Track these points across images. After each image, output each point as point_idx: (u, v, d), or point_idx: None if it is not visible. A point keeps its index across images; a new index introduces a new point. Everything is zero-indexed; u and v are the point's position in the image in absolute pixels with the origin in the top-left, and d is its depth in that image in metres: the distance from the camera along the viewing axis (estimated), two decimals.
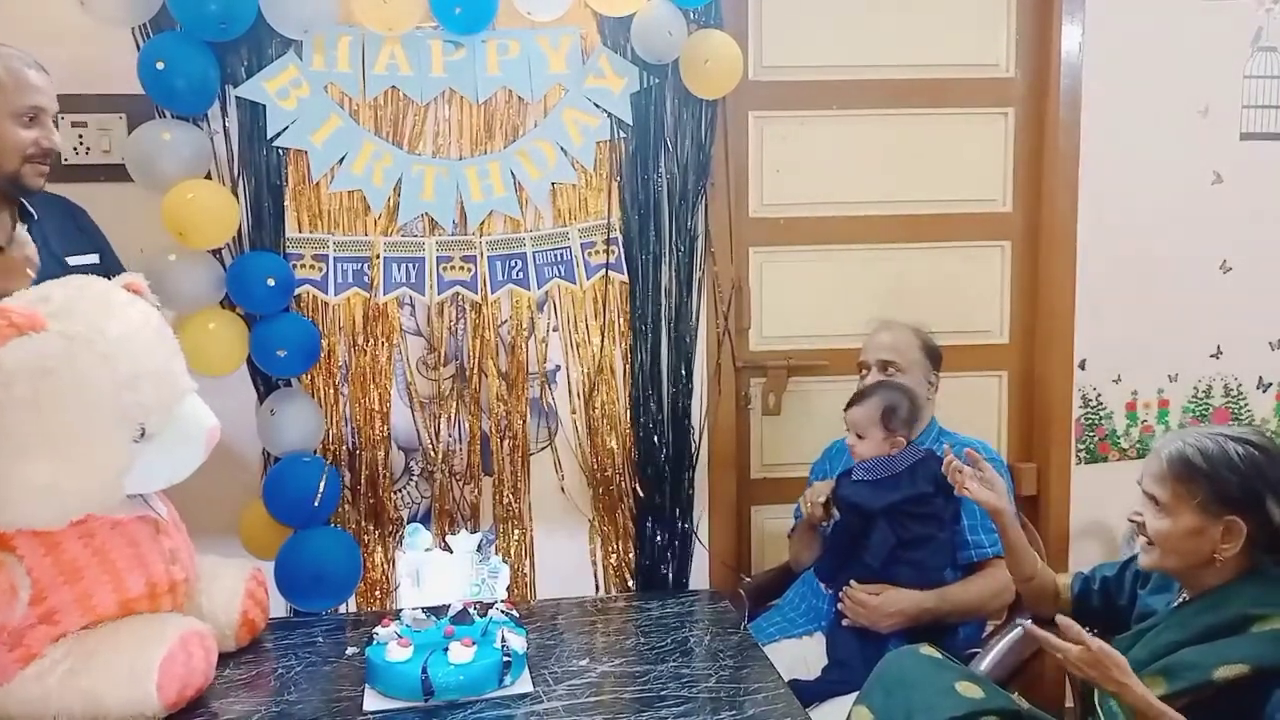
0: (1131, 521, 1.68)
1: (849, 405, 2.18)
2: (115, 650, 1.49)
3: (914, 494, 2.04)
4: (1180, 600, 1.66)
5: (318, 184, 2.39)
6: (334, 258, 2.42)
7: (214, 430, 1.65)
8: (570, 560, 2.61)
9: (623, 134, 2.47)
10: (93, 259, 1.97)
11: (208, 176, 2.31)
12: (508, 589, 1.73)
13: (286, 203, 2.38)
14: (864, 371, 2.31)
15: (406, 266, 2.45)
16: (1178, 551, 1.60)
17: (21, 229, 1.68)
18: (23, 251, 1.65)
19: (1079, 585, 1.87)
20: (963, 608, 2.10)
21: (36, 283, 1.79)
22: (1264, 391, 2.89)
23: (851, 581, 2.06)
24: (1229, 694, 1.49)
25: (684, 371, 2.56)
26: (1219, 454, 1.57)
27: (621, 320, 2.54)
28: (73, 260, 1.91)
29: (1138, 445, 2.84)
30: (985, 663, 1.98)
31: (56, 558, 1.50)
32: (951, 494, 2.01)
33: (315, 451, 2.41)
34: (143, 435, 1.53)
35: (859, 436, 2.13)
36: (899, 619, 2.02)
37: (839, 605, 2.07)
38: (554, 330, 2.55)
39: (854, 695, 1.93)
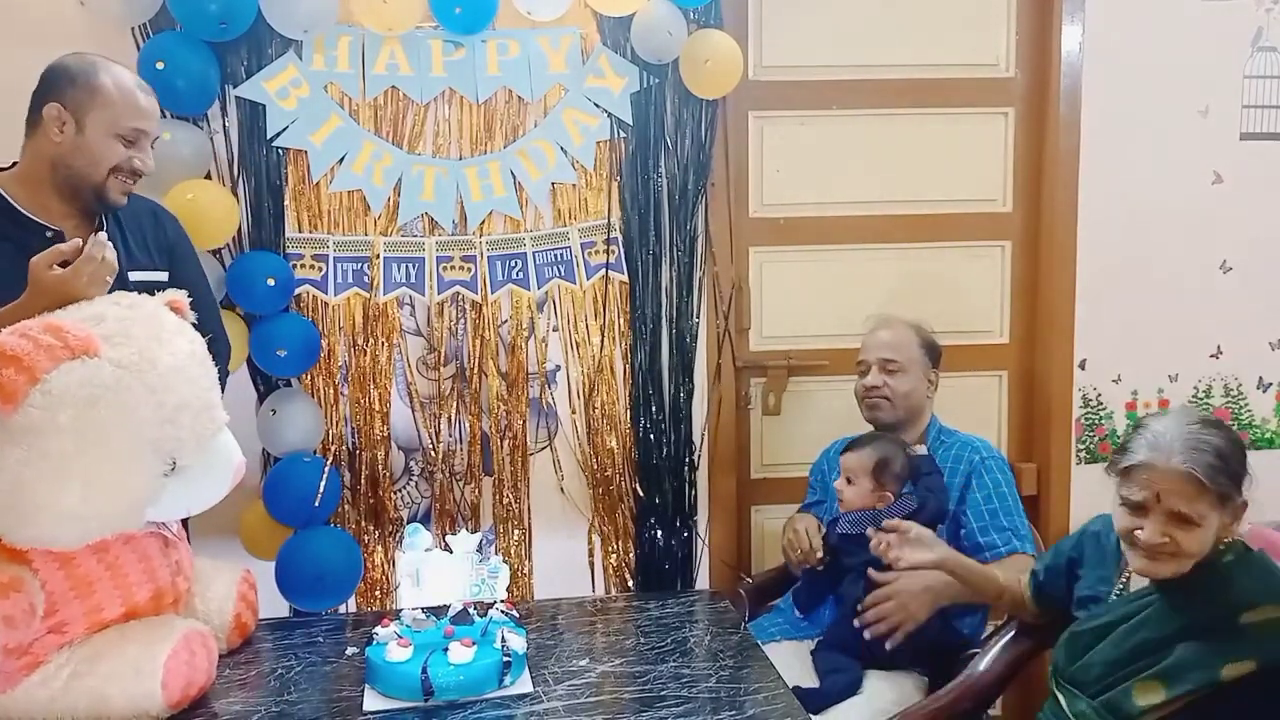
0: (1156, 546, 1.55)
1: (846, 449, 2.18)
2: (121, 650, 1.49)
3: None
4: (1148, 591, 1.61)
5: (317, 184, 2.40)
6: (334, 258, 2.42)
7: (240, 466, 1.65)
8: (570, 560, 2.61)
9: (623, 134, 2.47)
10: (158, 276, 1.91)
11: (207, 176, 2.31)
12: (507, 589, 1.73)
13: (286, 203, 2.38)
14: (863, 370, 2.31)
15: (406, 266, 2.45)
16: (1200, 555, 1.55)
17: (102, 235, 1.65)
18: (103, 253, 1.61)
19: (1033, 584, 1.88)
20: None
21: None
22: (1264, 391, 2.88)
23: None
24: (1231, 691, 1.48)
25: (684, 371, 2.56)
26: (1224, 445, 1.55)
27: (621, 320, 2.54)
28: (135, 276, 1.86)
29: None
30: (984, 662, 1.98)
31: (70, 572, 1.49)
32: (941, 520, 2.05)
33: (315, 451, 2.41)
34: (173, 469, 1.53)
35: (848, 481, 2.13)
36: (928, 597, 1.98)
37: (865, 630, 2.00)
38: (554, 330, 2.55)
39: (852, 700, 1.94)
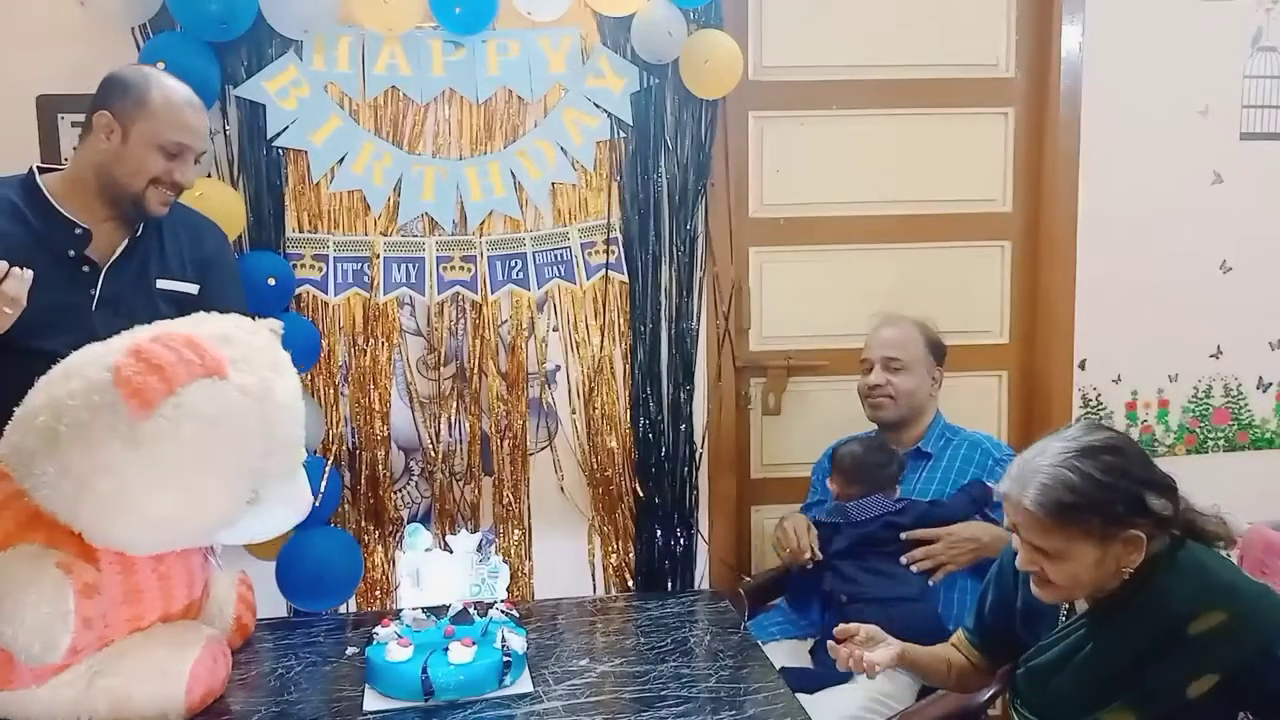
0: (1031, 572, 1.53)
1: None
2: (147, 653, 1.51)
3: (855, 541, 2.09)
4: (1091, 613, 1.54)
5: (318, 184, 2.40)
6: (334, 257, 2.42)
7: (309, 505, 1.68)
8: (570, 560, 2.61)
9: (623, 134, 2.47)
10: (188, 288, 1.92)
11: (207, 176, 2.31)
12: (507, 589, 1.73)
13: (286, 202, 2.38)
14: (867, 368, 2.30)
15: (406, 266, 2.45)
16: (1085, 584, 1.49)
17: (3, 264, 1.62)
18: (2, 287, 1.56)
19: (974, 636, 1.76)
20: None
21: (121, 304, 1.80)
22: (1264, 391, 2.89)
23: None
24: (1199, 705, 1.43)
25: (684, 371, 2.56)
26: (1085, 481, 1.44)
27: (621, 320, 2.54)
28: (162, 284, 1.88)
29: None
30: None
31: (127, 578, 1.51)
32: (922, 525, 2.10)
33: (315, 451, 2.41)
34: (255, 498, 1.54)
35: None
36: (972, 546, 2.07)
37: (912, 565, 2.08)
38: (554, 330, 2.55)
39: (847, 685, 1.95)
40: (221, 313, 1.88)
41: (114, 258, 1.84)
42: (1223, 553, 1.55)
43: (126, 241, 1.86)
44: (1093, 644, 1.52)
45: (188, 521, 1.47)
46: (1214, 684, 1.42)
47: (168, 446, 1.40)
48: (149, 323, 1.81)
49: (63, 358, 1.49)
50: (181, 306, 1.90)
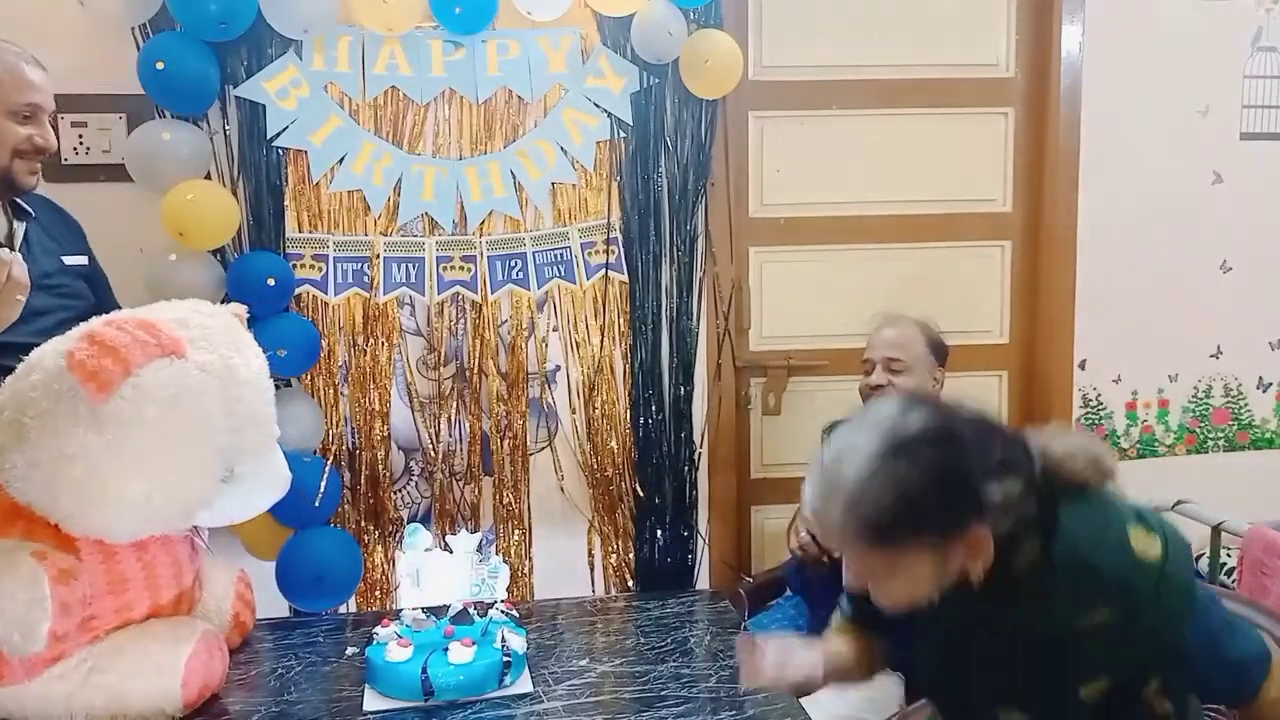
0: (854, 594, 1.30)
1: None
2: (142, 648, 1.51)
3: None
4: (961, 601, 1.25)
5: (317, 184, 2.40)
6: (334, 258, 2.42)
7: (287, 481, 1.69)
8: (570, 560, 2.62)
9: (622, 134, 2.47)
10: (83, 260, 1.94)
11: (207, 176, 2.31)
12: (507, 589, 1.73)
13: (286, 203, 2.38)
14: (868, 368, 2.30)
15: (406, 266, 2.45)
16: (927, 593, 1.21)
17: (4, 251, 1.61)
18: (9, 271, 1.55)
19: (850, 616, 1.49)
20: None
21: (50, 282, 1.80)
22: (1264, 391, 2.89)
23: None
24: (1095, 706, 1.25)
25: (684, 371, 2.56)
26: (901, 492, 1.14)
27: (621, 320, 2.55)
28: (68, 260, 1.89)
29: (1138, 445, 2.85)
30: None
31: (110, 567, 1.51)
32: None
33: (315, 451, 2.41)
34: (230, 476, 1.56)
35: None
36: None
37: None
38: (554, 330, 2.55)
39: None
40: (105, 280, 1.94)
41: (19, 243, 1.81)
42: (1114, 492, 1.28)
43: (25, 226, 1.84)
44: (966, 643, 1.31)
45: (163, 503, 1.47)
46: (1105, 687, 1.23)
47: (132, 429, 1.41)
48: (81, 299, 1.84)
49: (24, 350, 1.49)
50: (87, 279, 1.94)
